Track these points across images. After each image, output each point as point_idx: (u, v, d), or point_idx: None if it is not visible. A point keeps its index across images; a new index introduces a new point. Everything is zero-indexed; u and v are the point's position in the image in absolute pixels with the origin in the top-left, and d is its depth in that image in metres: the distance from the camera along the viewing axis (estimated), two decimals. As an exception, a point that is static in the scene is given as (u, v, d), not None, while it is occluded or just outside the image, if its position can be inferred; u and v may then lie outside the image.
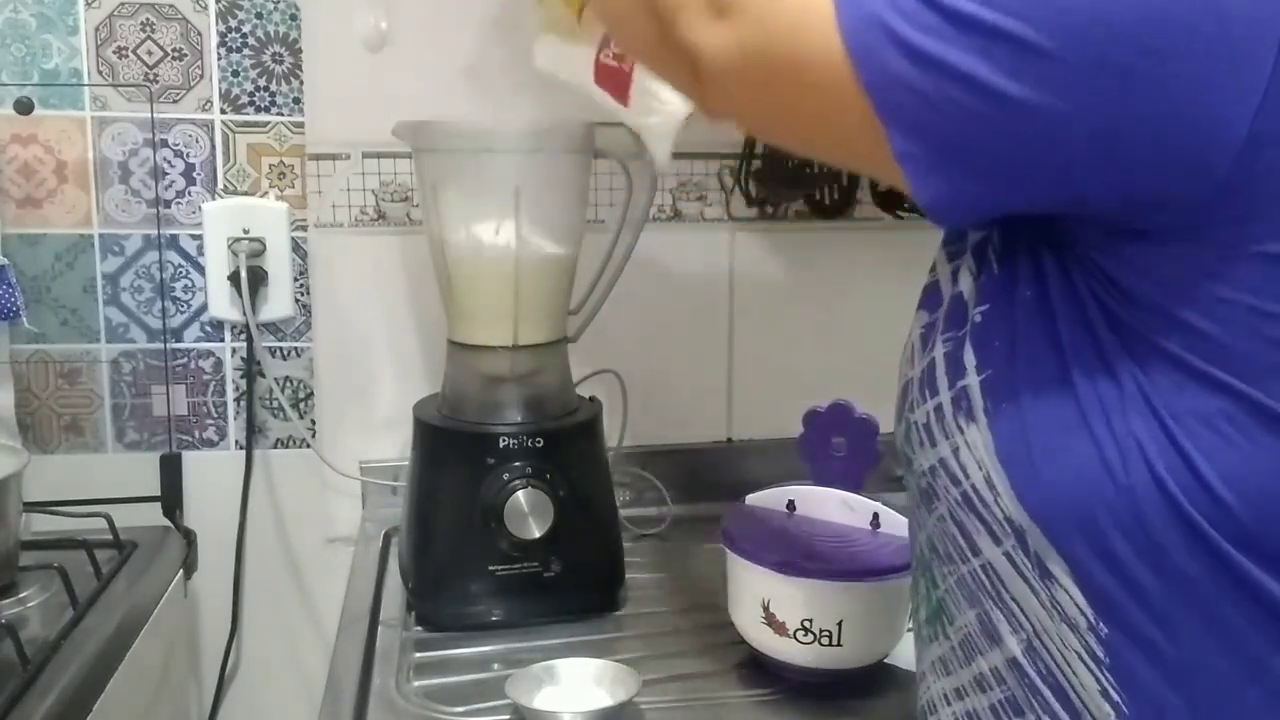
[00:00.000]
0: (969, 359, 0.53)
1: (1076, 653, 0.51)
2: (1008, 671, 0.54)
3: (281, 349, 1.23)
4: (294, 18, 1.18)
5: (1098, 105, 0.42)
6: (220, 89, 1.18)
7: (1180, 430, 0.46)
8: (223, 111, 1.18)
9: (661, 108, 0.75)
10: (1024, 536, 0.51)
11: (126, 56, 1.16)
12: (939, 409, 0.54)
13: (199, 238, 1.20)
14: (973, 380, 0.53)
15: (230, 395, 1.23)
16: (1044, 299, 0.50)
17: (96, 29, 1.15)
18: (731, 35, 0.50)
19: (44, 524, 1.12)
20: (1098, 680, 0.50)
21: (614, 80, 0.76)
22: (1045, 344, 0.50)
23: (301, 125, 1.19)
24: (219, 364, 1.23)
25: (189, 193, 1.19)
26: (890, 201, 1.26)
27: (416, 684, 0.86)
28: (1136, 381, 0.47)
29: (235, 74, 1.18)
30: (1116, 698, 0.50)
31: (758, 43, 0.50)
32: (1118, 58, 0.41)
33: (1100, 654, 0.50)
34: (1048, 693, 0.52)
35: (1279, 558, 0.45)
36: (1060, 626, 0.51)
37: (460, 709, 0.82)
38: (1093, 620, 0.50)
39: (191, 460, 1.23)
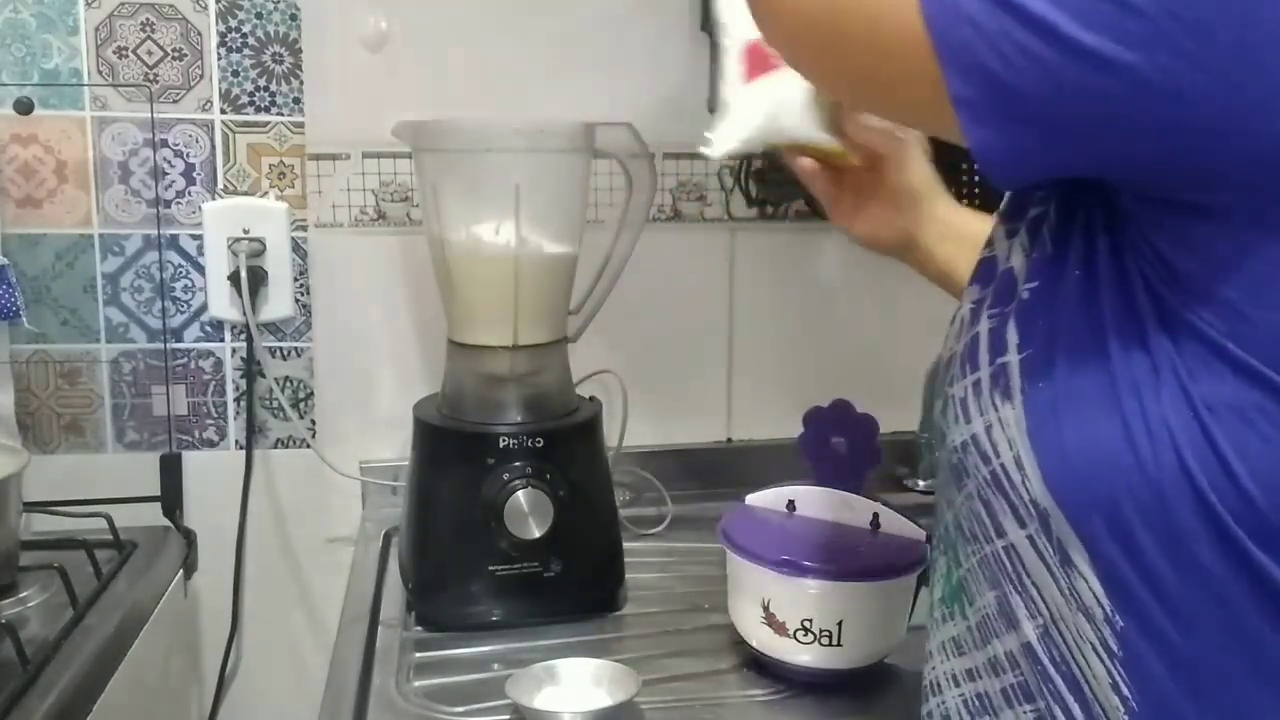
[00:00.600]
0: (1011, 336, 0.52)
1: (1091, 643, 0.50)
2: (1022, 656, 0.54)
3: (281, 349, 1.23)
4: (294, 18, 1.18)
5: (1175, 64, 0.40)
6: (220, 89, 1.18)
7: (1213, 421, 0.45)
8: (223, 111, 1.18)
9: (753, 124, 0.75)
10: (1047, 520, 0.50)
11: (126, 56, 1.16)
12: (977, 384, 0.54)
13: (199, 238, 1.20)
14: (1013, 358, 0.52)
15: (230, 395, 1.23)
16: (1092, 280, 0.49)
17: (96, 29, 1.15)
18: None
19: (44, 524, 1.12)
20: (1109, 673, 0.50)
21: (756, 62, 0.76)
22: (1088, 326, 0.49)
23: (301, 125, 1.19)
24: (219, 364, 1.23)
25: (189, 193, 1.19)
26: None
27: (416, 684, 0.86)
28: (1174, 369, 0.46)
29: (235, 74, 1.18)
30: (1126, 691, 0.49)
31: None
32: (1201, 14, 0.40)
33: (1114, 646, 0.49)
34: (1059, 681, 0.52)
35: (1268, 530, 0.44)
36: (1076, 615, 0.50)
37: (460, 709, 0.82)
38: (1109, 611, 0.49)
39: (191, 460, 1.23)
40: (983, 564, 0.56)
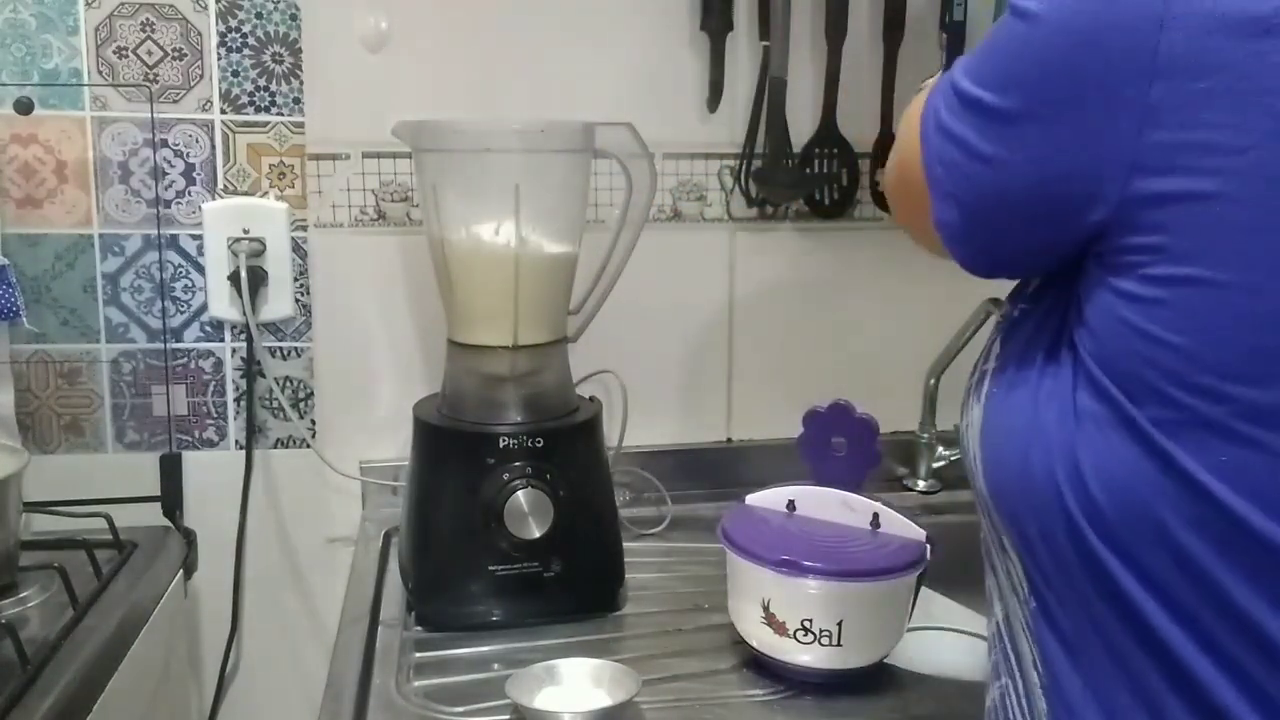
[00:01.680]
0: (996, 348, 0.59)
1: (1021, 623, 0.56)
2: (996, 636, 0.60)
3: (281, 349, 1.23)
4: (294, 18, 1.18)
5: (1035, 154, 0.50)
6: (220, 89, 1.18)
7: (1076, 428, 0.50)
8: (223, 111, 1.18)
9: None
10: (990, 511, 0.57)
11: (126, 56, 1.16)
12: (969, 389, 0.60)
13: (199, 238, 1.20)
14: (990, 366, 0.58)
15: (230, 395, 1.23)
16: (1053, 309, 0.55)
17: (96, 29, 1.15)
18: (891, 158, 0.63)
19: (44, 524, 1.12)
20: (1030, 650, 0.55)
21: None
22: (1036, 347, 0.55)
23: (301, 125, 1.19)
24: (219, 364, 1.23)
25: (189, 193, 1.19)
26: (890, 201, 1.26)
27: (416, 684, 0.86)
28: (1065, 385, 0.51)
29: (235, 74, 1.18)
30: (1041, 669, 0.55)
31: (896, 158, 0.61)
32: (1036, 109, 0.49)
33: (1032, 626, 0.55)
34: (1013, 659, 0.57)
35: (1129, 553, 0.49)
36: (1012, 599, 0.57)
37: (460, 709, 0.82)
38: (1026, 595, 0.55)
39: (191, 460, 1.23)
40: (981, 549, 0.62)
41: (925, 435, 1.28)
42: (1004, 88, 0.50)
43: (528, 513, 0.93)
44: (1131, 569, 0.49)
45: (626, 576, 1.02)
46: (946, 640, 1.01)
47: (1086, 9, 0.47)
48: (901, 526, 0.88)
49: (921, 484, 1.29)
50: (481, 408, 1.00)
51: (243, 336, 1.21)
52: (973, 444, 0.58)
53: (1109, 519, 0.49)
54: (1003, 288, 0.62)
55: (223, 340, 1.22)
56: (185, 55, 1.17)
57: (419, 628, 0.95)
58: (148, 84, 1.17)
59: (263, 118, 1.19)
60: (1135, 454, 0.48)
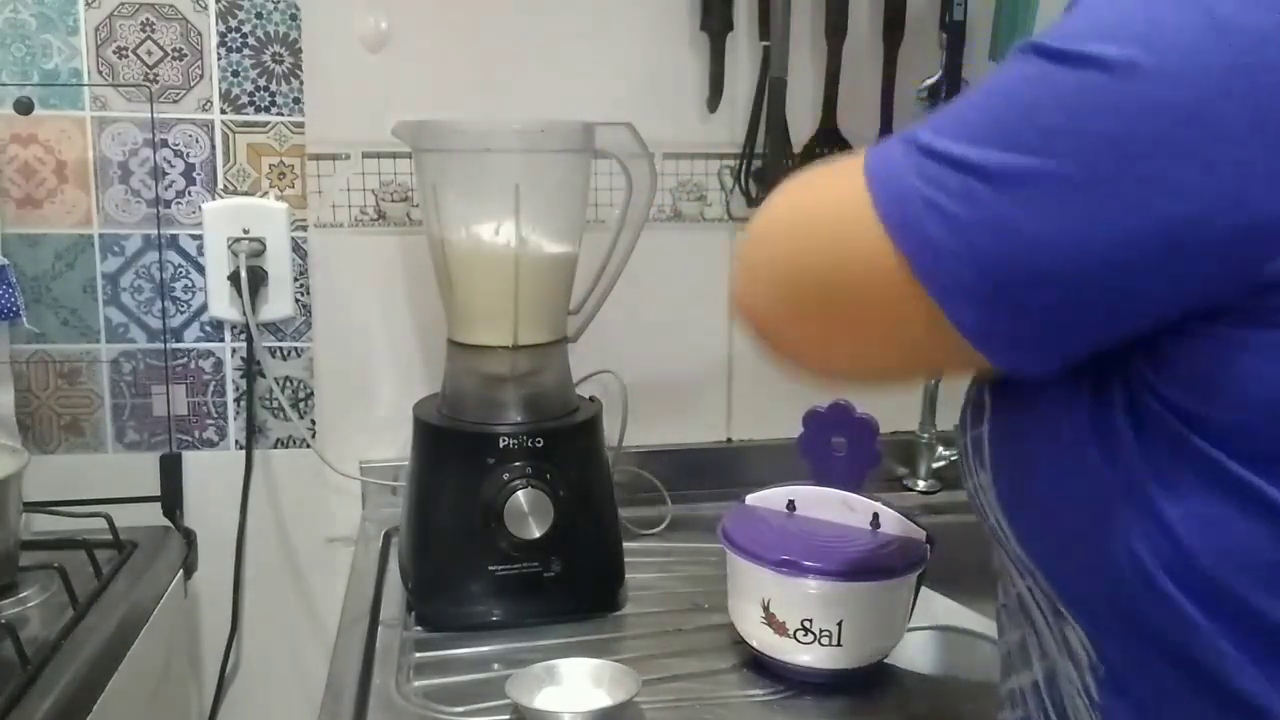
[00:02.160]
0: (987, 409, 0.53)
1: (1078, 689, 0.51)
2: (1031, 694, 0.56)
3: (281, 349, 1.23)
4: (294, 18, 1.18)
5: (1139, 222, 0.41)
6: (220, 89, 1.18)
7: (1175, 504, 0.44)
8: (223, 111, 1.18)
9: None
10: (1036, 577, 0.52)
11: (126, 56, 1.16)
12: (965, 448, 0.55)
13: (199, 238, 1.20)
14: (984, 428, 0.53)
15: (230, 395, 1.23)
16: (1079, 372, 0.49)
17: (96, 29, 1.15)
18: (753, 278, 0.51)
19: (44, 524, 1.12)
20: (1090, 716, 0.50)
21: None
22: (1052, 402, 0.49)
23: (301, 125, 1.19)
24: (219, 364, 1.23)
25: (189, 193, 1.19)
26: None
27: (416, 684, 0.86)
28: (1132, 457, 0.46)
29: (235, 74, 1.18)
30: None
31: (792, 263, 0.50)
32: (1147, 169, 0.40)
33: (1095, 694, 0.50)
34: None
35: (1238, 622, 0.44)
36: (1067, 663, 0.52)
37: (460, 709, 0.82)
38: (1092, 661, 0.50)
39: (191, 460, 1.23)
40: (1011, 602, 0.57)
41: (925, 435, 1.28)
42: (1062, 152, 0.41)
43: (528, 513, 0.93)
44: (1240, 637, 0.44)
45: (626, 576, 1.02)
46: (946, 640, 1.01)
47: (1224, 49, 0.40)
48: (901, 526, 0.88)
49: (921, 484, 1.29)
50: (481, 408, 1.00)
51: (243, 336, 1.21)
52: (991, 510, 0.53)
53: (1222, 594, 0.44)
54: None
55: (223, 340, 1.22)
56: (185, 55, 1.17)
57: (419, 628, 0.95)
58: (148, 84, 1.17)
59: (263, 118, 1.19)
60: (1260, 525, 0.43)
